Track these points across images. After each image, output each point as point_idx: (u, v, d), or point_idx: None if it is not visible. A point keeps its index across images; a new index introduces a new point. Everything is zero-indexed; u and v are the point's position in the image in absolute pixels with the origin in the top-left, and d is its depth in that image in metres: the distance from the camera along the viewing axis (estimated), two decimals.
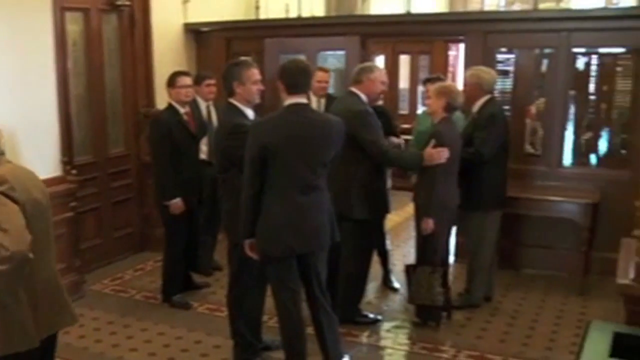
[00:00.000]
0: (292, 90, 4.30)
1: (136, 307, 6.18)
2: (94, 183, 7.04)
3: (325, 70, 7.12)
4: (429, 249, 5.44)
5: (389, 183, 6.21)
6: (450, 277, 5.98)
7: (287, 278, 4.37)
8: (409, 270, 5.61)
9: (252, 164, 4.21)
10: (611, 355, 3.56)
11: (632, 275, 3.95)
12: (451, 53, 12.03)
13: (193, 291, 6.40)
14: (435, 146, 5.20)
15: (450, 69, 12.04)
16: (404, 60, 12.24)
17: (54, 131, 6.11)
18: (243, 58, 5.56)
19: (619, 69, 6.90)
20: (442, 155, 5.19)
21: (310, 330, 4.57)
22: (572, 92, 6.93)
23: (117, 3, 7.19)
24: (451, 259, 6.13)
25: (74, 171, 6.24)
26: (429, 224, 5.31)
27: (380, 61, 11.75)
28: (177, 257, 6.11)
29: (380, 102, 6.02)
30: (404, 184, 7.21)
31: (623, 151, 6.83)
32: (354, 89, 5.43)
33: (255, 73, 4.70)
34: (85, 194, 6.71)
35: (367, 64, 5.93)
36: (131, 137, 7.57)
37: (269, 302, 4.69)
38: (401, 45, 11.91)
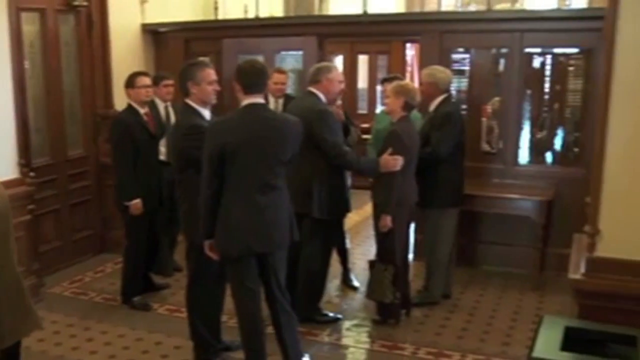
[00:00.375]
0: (248, 90, 4.32)
1: (96, 310, 6.15)
2: (52, 185, 6.99)
3: (282, 72, 7.12)
4: (388, 245, 5.50)
5: (349, 182, 6.26)
6: (410, 274, 6.04)
7: (245, 278, 4.39)
8: (370, 266, 5.68)
9: (210, 164, 4.22)
10: (562, 349, 3.65)
11: (583, 270, 4.04)
12: (410, 53, 12.10)
13: (153, 292, 6.39)
14: (392, 153, 5.27)
15: (409, 68, 12.11)
16: (363, 60, 12.29)
17: (11, 133, 6.03)
18: (201, 59, 5.56)
19: (571, 68, 7.02)
20: (397, 163, 5.27)
21: (270, 329, 4.60)
22: (528, 91, 7.04)
23: (74, 3, 7.13)
24: (410, 256, 6.18)
25: (31, 173, 6.17)
26: (387, 221, 5.37)
27: (339, 61, 11.81)
28: (138, 258, 6.09)
29: (339, 102, 6.06)
30: (363, 182, 7.26)
31: (576, 149, 6.94)
32: (312, 89, 5.46)
33: (210, 73, 4.70)
34: (43, 196, 6.66)
35: (324, 63, 5.96)
36: (90, 138, 7.53)
37: (229, 302, 4.70)
38: (359, 45, 11.96)
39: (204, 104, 4.69)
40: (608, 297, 3.98)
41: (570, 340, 3.73)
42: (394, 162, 5.27)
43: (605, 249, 4.00)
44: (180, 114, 4.94)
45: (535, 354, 3.64)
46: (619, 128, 3.88)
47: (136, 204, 5.86)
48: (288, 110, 5.37)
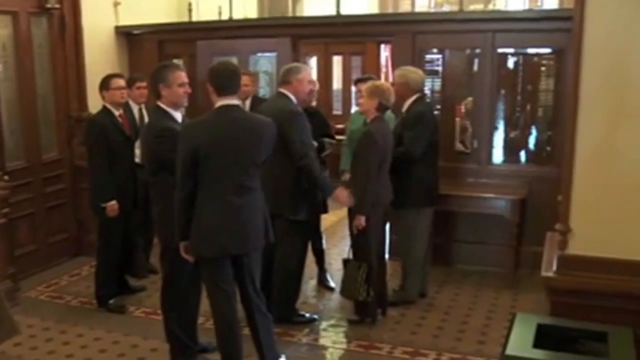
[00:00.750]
0: (221, 92, 4.34)
1: (72, 313, 6.13)
2: (27, 188, 6.96)
3: (247, 74, 6.96)
4: (362, 244, 5.53)
5: None
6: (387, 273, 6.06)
7: (220, 279, 4.40)
8: (344, 264, 5.71)
9: (184, 166, 4.22)
10: (535, 346, 3.69)
11: (554, 267, 4.10)
12: (384, 54, 12.13)
13: (129, 295, 6.38)
14: (350, 192, 5.38)
15: (383, 69, 12.13)
16: (337, 61, 12.32)
17: None
18: (174, 61, 5.55)
19: (543, 68, 7.08)
20: (349, 201, 5.46)
21: (246, 331, 4.61)
22: (502, 91, 7.10)
23: (46, 6, 7.09)
24: (386, 255, 6.20)
25: (5, 177, 6.14)
26: (361, 221, 5.40)
27: (313, 62, 11.82)
28: (111, 259, 6.08)
29: (313, 103, 6.06)
30: (338, 183, 7.26)
31: (548, 148, 7.01)
32: (283, 90, 5.48)
33: (181, 76, 4.69)
34: (18, 199, 6.63)
35: (294, 64, 5.95)
36: (64, 141, 7.49)
37: (206, 303, 4.71)
38: (334, 46, 11.99)
39: (175, 106, 4.69)
40: (579, 294, 4.03)
41: (543, 338, 3.78)
42: (345, 198, 5.43)
43: (577, 247, 4.06)
44: (151, 116, 4.93)
45: (508, 351, 3.69)
46: (588, 127, 3.94)
47: (112, 205, 5.86)
48: (259, 112, 5.35)
